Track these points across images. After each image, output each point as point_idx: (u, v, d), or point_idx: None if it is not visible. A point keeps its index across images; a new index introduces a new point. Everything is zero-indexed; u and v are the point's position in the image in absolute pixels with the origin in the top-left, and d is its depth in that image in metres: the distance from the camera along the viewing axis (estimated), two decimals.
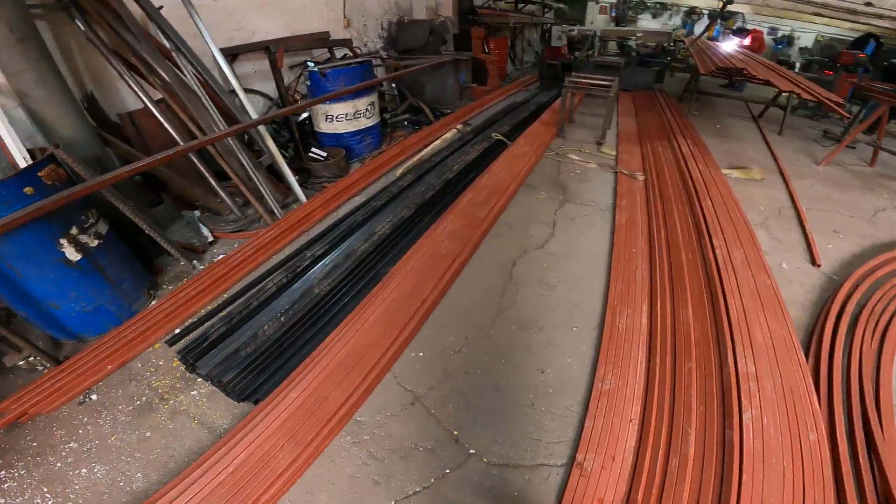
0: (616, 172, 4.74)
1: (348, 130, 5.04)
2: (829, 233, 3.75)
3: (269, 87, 5.14)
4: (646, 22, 13.12)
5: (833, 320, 2.62)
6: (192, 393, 2.32)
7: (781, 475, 1.76)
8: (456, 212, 3.75)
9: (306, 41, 5.42)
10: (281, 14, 5.12)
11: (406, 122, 6.39)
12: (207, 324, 2.58)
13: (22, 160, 2.34)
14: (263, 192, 3.83)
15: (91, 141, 3.05)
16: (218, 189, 3.66)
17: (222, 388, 2.18)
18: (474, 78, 8.03)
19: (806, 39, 11.05)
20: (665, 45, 8.65)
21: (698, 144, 5.36)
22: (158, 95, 3.49)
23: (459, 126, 6.17)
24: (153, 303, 2.86)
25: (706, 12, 11.65)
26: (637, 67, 8.31)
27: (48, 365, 2.38)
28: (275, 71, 4.82)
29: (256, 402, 2.19)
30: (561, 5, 13.04)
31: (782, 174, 4.92)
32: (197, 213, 3.75)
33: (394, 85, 6.83)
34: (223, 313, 2.66)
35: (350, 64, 5.00)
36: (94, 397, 2.29)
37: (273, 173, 4.15)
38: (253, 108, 4.04)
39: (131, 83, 3.32)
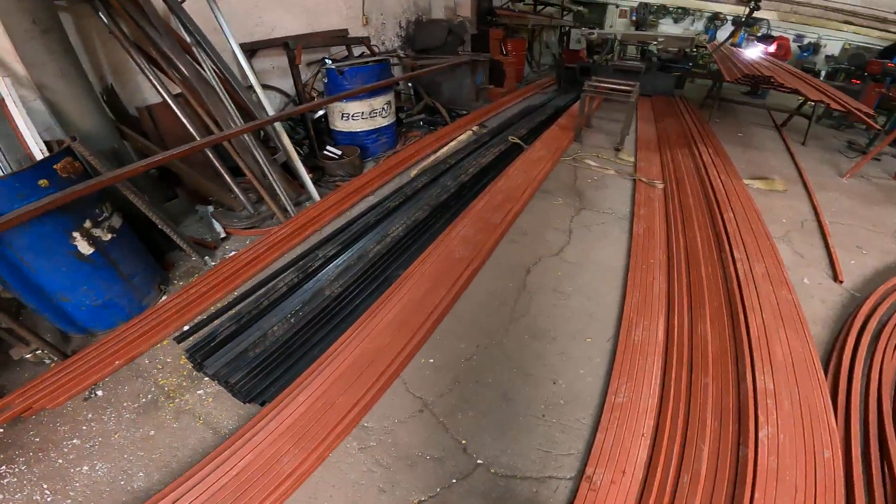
0: (634, 180, 4.65)
1: (364, 129, 5.02)
2: (852, 248, 3.65)
3: (287, 84, 5.13)
4: (666, 27, 12.92)
5: (854, 337, 2.55)
6: (199, 392, 2.30)
7: (793, 492, 1.72)
8: (470, 216, 3.69)
9: (325, 38, 5.41)
10: (301, 10, 5.11)
11: (421, 123, 6.35)
12: (216, 322, 2.56)
13: (38, 152, 2.34)
14: (277, 189, 3.81)
15: (109, 134, 3.05)
16: (232, 185, 3.65)
17: (229, 389, 2.16)
18: (491, 79, 7.97)
19: (832, 47, 10.79)
20: (687, 50, 8.49)
21: (720, 153, 5.24)
22: (177, 90, 3.49)
23: (475, 128, 6.11)
24: (163, 298, 2.85)
25: (730, 18, 11.43)
26: (657, 72, 8.16)
27: (55, 359, 2.37)
28: (293, 67, 4.80)
29: (263, 404, 2.16)
30: (580, 8, 12.92)
31: (805, 186, 4.79)
32: (210, 208, 3.75)
33: (410, 84, 6.79)
34: (233, 311, 2.64)
35: (368, 62, 4.98)
36: (99, 393, 2.28)
37: (287, 170, 4.14)
38: (270, 105, 4.03)
39: (151, 77, 3.33)
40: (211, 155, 3.49)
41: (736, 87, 8.02)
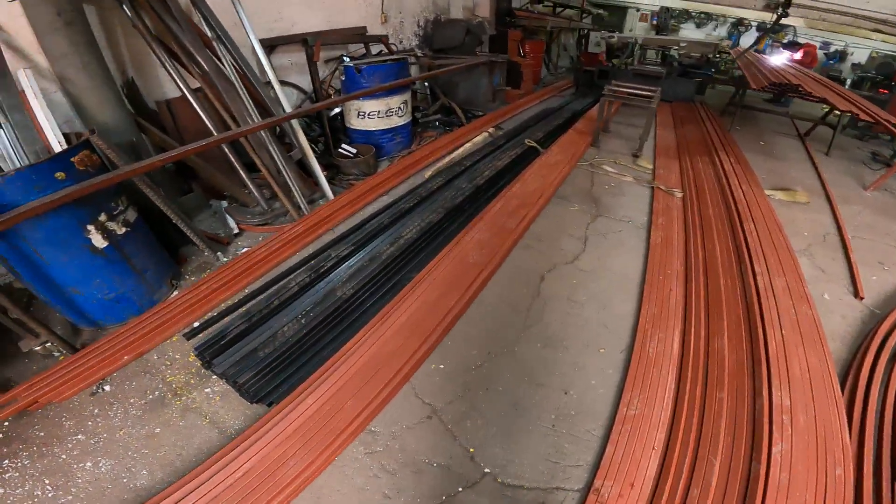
0: (653, 188, 4.55)
1: (379, 128, 5.00)
2: (874, 264, 3.54)
3: (304, 81, 5.13)
4: (688, 31, 12.68)
5: (873, 355, 2.49)
6: (206, 390, 2.29)
7: None
8: (485, 220, 3.65)
9: (343, 35, 5.40)
10: (321, 6, 5.10)
11: (437, 123, 6.31)
12: (227, 319, 2.55)
13: (57, 144, 2.35)
14: (291, 186, 3.81)
15: (128, 127, 3.07)
16: (247, 180, 3.66)
17: (237, 389, 2.14)
18: (508, 81, 7.90)
19: (860, 55, 10.51)
20: (710, 56, 8.32)
21: (741, 162, 5.12)
22: (196, 84, 3.50)
23: (491, 129, 6.06)
24: (174, 293, 2.85)
25: (754, 24, 11.18)
26: (678, 78, 8.01)
27: (64, 352, 2.38)
28: (311, 64, 4.80)
29: (270, 405, 2.15)
30: (600, 11, 12.77)
31: (828, 198, 4.65)
32: (224, 203, 3.76)
33: (426, 84, 6.76)
34: (243, 309, 2.63)
35: (386, 61, 4.95)
36: (106, 388, 2.28)
37: (302, 167, 4.13)
38: (287, 101, 4.03)
39: (171, 71, 3.33)
40: (227, 150, 3.49)
41: (758, 94, 7.85)
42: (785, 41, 10.38)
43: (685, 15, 12.44)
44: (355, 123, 4.97)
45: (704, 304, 2.90)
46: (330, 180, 4.23)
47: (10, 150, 2.35)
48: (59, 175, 2.11)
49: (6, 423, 2.09)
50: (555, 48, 11.36)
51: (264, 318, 2.50)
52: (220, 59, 3.59)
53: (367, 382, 2.20)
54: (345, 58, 5.09)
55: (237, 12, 3.74)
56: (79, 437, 2.05)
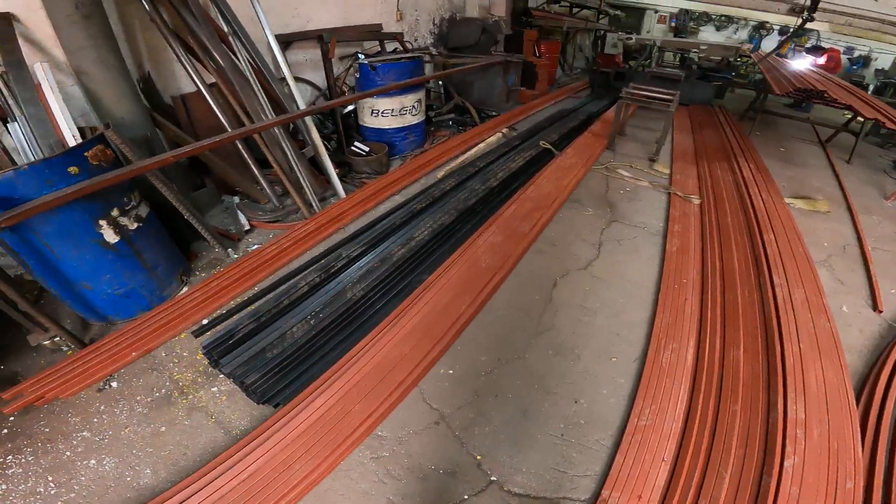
0: (669, 193, 4.46)
1: (393, 126, 4.97)
2: (894, 276, 3.45)
3: (318, 77, 5.11)
4: (707, 34, 12.50)
5: (889, 369, 2.45)
6: (213, 389, 2.27)
7: None
8: (498, 223, 3.59)
9: (359, 32, 5.37)
10: (336, 3, 5.08)
11: (451, 122, 6.27)
12: (235, 317, 2.53)
13: (71, 138, 2.34)
14: (303, 183, 3.79)
15: (143, 122, 3.06)
16: (259, 177, 3.65)
17: (244, 389, 2.12)
18: (523, 81, 7.84)
19: (884, 61, 10.28)
20: (731, 59, 8.18)
21: (761, 169, 5.00)
22: (212, 79, 3.49)
23: (505, 130, 6.00)
24: (184, 290, 2.84)
25: (777, 27, 10.98)
26: (696, 81, 7.89)
27: (73, 346, 2.37)
28: (326, 61, 4.79)
29: (277, 406, 2.13)
30: (617, 12, 12.62)
31: (849, 207, 4.54)
32: (236, 199, 3.75)
33: (440, 82, 6.72)
34: (252, 307, 2.61)
35: (401, 59, 4.92)
36: (113, 385, 2.27)
37: (314, 165, 4.11)
38: (301, 98, 4.01)
39: (187, 66, 3.33)
40: (240, 146, 3.48)
41: (778, 99, 7.70)
42: (808, 45, 10.18)
43: (705, 17, 12.27)
44: (368, 121, 4.95)
45: (721, 315, 2.84)
46: (342, 178, 4.21)
47: (25, 144, 2.36)
48: (73, 169, 2.10)
49: (11, 419, 2.08)
50: (570, 49, 11.27)
51: (273, 318, 2.47)
52: (235, 55, 3.58)
53: (376, 387, 2.17)
54: (359, 55, 5.07)
55: (254, 8, 3.73)
56: (84, 433, 2.04)
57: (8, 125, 2.42)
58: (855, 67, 10.53)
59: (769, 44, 10.84)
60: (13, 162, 2.48)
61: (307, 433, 1.95)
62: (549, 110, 7.41)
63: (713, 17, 12.13)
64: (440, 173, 4.67)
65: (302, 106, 3.96)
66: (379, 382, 2.20)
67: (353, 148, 4.73)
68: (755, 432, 2.01)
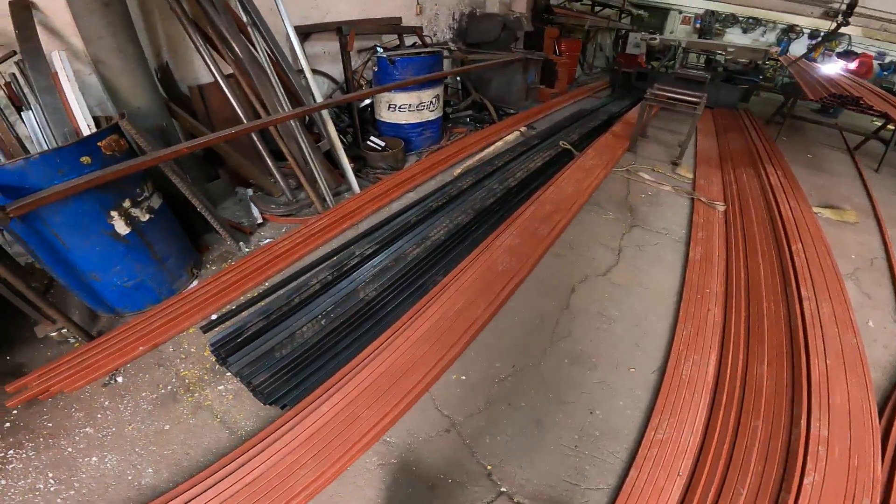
0: (693, 199, 4.32)
1: (410, 122, 4.89)
2: None
3: (335, 70, 5.05)
4: (733, 36, 12.22)
5: None
6: (219, 388, 2.22)
7: None
8: (516, 225, 3.50)
9: (378, 25, 5.30)
10: None
11: (468, 119, 6.17)
12: (245, 313, 2.49)
13: (86, 127, 2.30)
14: (318, 177, 3.74)
15: (159, 112, 3.03)
16: (273, 169, 3.60)
17: (251, 389, 2.07)
18: (542, 79, 7.71)
19: None
20: (759, 62, 7.95)
21: (788, 176, 4.83)
22: (229, 70, 3.45)
23: (523, 128, 5.89)
24: (194, 283, 2.81)
25: (807, 31, 10.67)
26: (721, 84, 7.69)
27: (80, 338, 2.34)
28: (344, 53, 4.71)
29: (284, 408, 2.08)
30: (641, 12, 12.39)
31: (877, 218, 4.36)
32: (250, 191, 3.72)
33: (458, 78, 6.62)
34: (263, 303, 2.57)
35: (420, 53, 4.84)
36: (119, 380, 2.24)
37: (328, 159, 4.06)
38: (318, 90, 3.95)
39: (205, 56, 3.28)
40: (255, 138, 3.44)
41: (805, 104, 7.48)
42: (838, 50, 9.88)
43: (731, 19, 11.97)
44: (385, 116, 4.88)
45: (745, 328, 2.73)
46: (356, 173, 4.15)
47: (39, 132, 2.33)
48: (85, 159, 2.05)
49: (15, 412, 2.06)
50: (590, 48, 11.07)
51: (283, 317, 2.42)
52: (253, 46, 3.54)
53: (386, 392, 2.11)
54: (378, 48, 4.99)
55: None
56: (87, 429, 2.01)
57: (22, 113, 2.39)
58: (885, 73, 10.21)
59: (798, 47, 10.56)
60: (26, 150, 2.44)
61: (314, 438, 1.90)
62: (569, 109, 7.28)
63: (740, 18, 11.84)
64: (457, 171, 4.59)
65: (319, 99, 3.90)
66: (390, 387, 2.13)
67: (368, 142, 4.67)
68: (776, 449, 1.95)
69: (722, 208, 4.11)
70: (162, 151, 2.36)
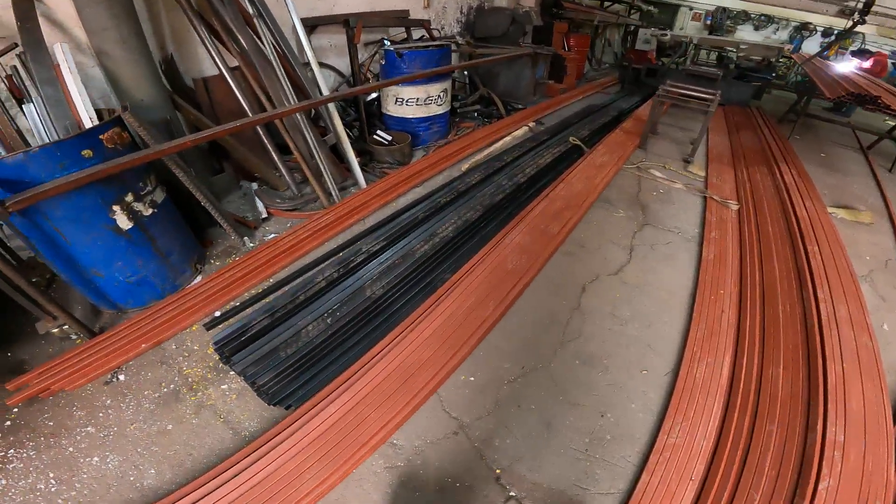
0: (705, 197, 4.24)
1: (417, 116, 4.82)
2: None
3: (342, 63, 4.99)
4: (745, 33, 12.03)
5: None
6: (223, 387, 2.18)
7: None
8: (526, 222, 3.43)
9: (385, 18, 5.22)
10: None
11: (476, 114, 6.09)
12: (249, 310, 2.44)
13: (88, 120, 2.25)
14: (324, 171, 3.68)
15: (163, 105, 2.98)
16: (278, 163, 3.55)
17: (255, 389, 2.02)
18: (550, 74, 7.62)
19: None
20: (772, 60, 7.82)
21: (802, 175, 4.73)
22: (234, 62, 3.39)
23: (531, 124, 5.81)
24: (198, 279, 2.76)
25: (820, 29, 10.49)
26: (733, 81, 7.57)
27: (82, 335, 2.30)
28: (351, 46, 4.65)
29: (288, 408, 2.03)
30: (650, 7, 12.23)
31: (891, 219, 4.28)
32: (255, 185, 3.66)
33: (465, 72, 6.54)
34: (267, 300, 2.52)
35: (428, 46, 4.75)
36: (121, 377, 2.20)
37: (334, 152, 4.00)
38: (324, 83, 3.89)
39: (210, 48, 3.22)
40: (261, 131, 3.39)
41: (816, 102, 7.35)
42: (852, 48, 9.72)
43: (743, 16, 11.79)
44: (392, 110, 4.81)
45: (760, 330, 2.67)
46: (362, 167, 4.09)
47: (40, 125, 2.28)
48: (86, 153, 2.00)
49: (15, 410, 2.02)
50: (598, 43, 10.95)
51: (288, 315, 2.37)
52: (259, 38, 3.47)
53: (393, 394, 2.06)
54: (385, 41, 4.92)
55: None
56: (88, 428, 1.97)
57: (23, 106, 2.34)
58: None
59: (810, 45, 10.40)
60: (27, 144, 2.40)
61: (320, 440, 1.86)
62: (578, 105, 7.19)
63: (752, 15, 11.66)
64: (464, 166, 4.52)
65: (325, 92, 3.84)
66: (397, 389, 2.08)
67: (375, 136, 4.60)
68: (790, 453, 1.92)
69: (735, 207, 4.02)
70: (165, 145, 2.31)
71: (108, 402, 2.08)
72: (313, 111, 4.12)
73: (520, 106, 6.46)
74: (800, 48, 10.57)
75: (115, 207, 2.19)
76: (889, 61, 9.81)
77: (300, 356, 2.14)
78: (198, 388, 2.17)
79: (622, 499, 1.81)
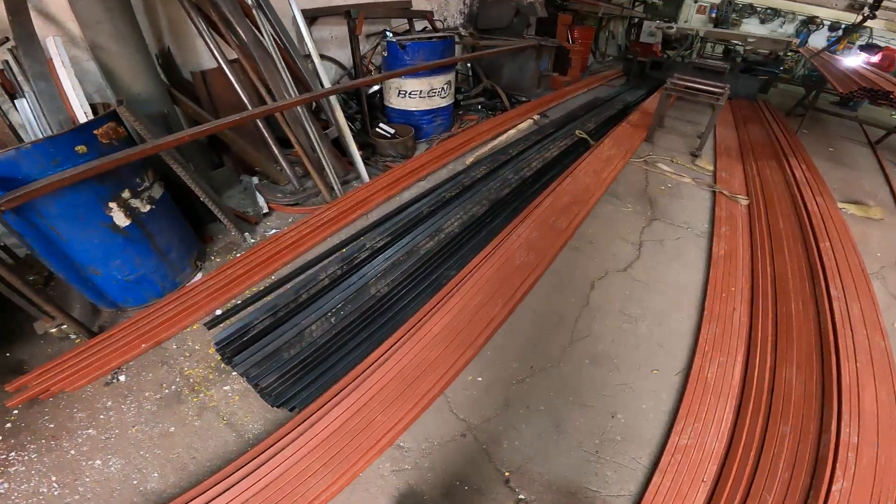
0: (714, 192, 4.16)
1: (420, 108, 4.75)
2: None
3: (343, 55, 4.90)
4: (751, 27, 11.86)
5: None
6: (225, 388, 2.12)
7: None
8: (533, 217, 3.36)
9: (387, 9, 5.12)
10: None
11: (480, 106, 6.01)
12: (251, 308, 2.38)
13: (83, 115, 2.18)
14: (325, 165, 3.61)
15: (160, 98, 2.91)
16: (279, 156, 3.48)
17: (258, 391, 1.96)
18: (555, 67, 7.52)
19: None
20: (780, 53, 7.71)
21: (812, 170, 4.65)
22: (233, 55, 3.31)
23: (536, 117, 5.72)
24: (198, 276, 2.70)
25: (827, 23, 10.35)
26: (740, 74, 7.47)
27: (80, 335, 2.25)
28: (352, 38, 4.56)
29: (292, 410, 1.98)
30: (655, 0, 12.07)
31: None
32: (255, 179, 3.59)
33: (468, 64, 6.45)
34: (269, 298, 2.46)
35: (432, 38, 4.66)
36: (121, 378, 2.15)
37: (336, 146, 3.92)
38: (326, 76, 3.80)
39: (209, 40, 3.14)
40: (261, 125, 3.31)
41: (823, 96, 7.26)
42: (860, 43, 9.60)
43: (749, 9, 11.63)
44: (395, 102, 4.73)
45: (772, 328, 2.61)
46: (365, 161, 4.02)
47: (33, 120, 2.21)
48: (80, 148, 1.93)
49: (15, 412, 1.98)
50: (602, 36, 10.82)
51: (291, 314, 2.31)
52: (259, 29, 3.39)
53: (401, 395, 2.00)
54: (388, 33, 4.82)
55: None
56: (89, 431, 1.93)
57: (16, 101, 2.27)
58: None
59: (817, 39, 10.27)
60: (20, 139, 2.33)
61: (326, 443, 1.81)
62: (582, 98, 7.10)
63: (758, 9, 11.49)
64: (469, 159, 4.45)
65: (327, 84, 3.76)
66: (405, 390, 2.03)
67: (377, 129, 4.53)
68: (804, 455, 1.89)
69: (745, 202, 3.95)
70: (162, 139, 2.24)
71: (109, 403, 2.04)
72: (314, 104, 4.04)
73: (524, 98, 6.37)
74: (806, 42, 10.44)
75: (112, 204, 2.12)
76: None
77: (304, 357, 2.09)
78: (200, 389, 2.12)
79: (633, 501, 1.78)
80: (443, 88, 4.74)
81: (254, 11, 3.35)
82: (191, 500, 1.61)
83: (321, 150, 3.59)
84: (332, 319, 2.28)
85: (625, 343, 2.51)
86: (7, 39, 2.32)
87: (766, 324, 2.62)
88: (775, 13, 11.31)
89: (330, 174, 3.62)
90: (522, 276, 2.76)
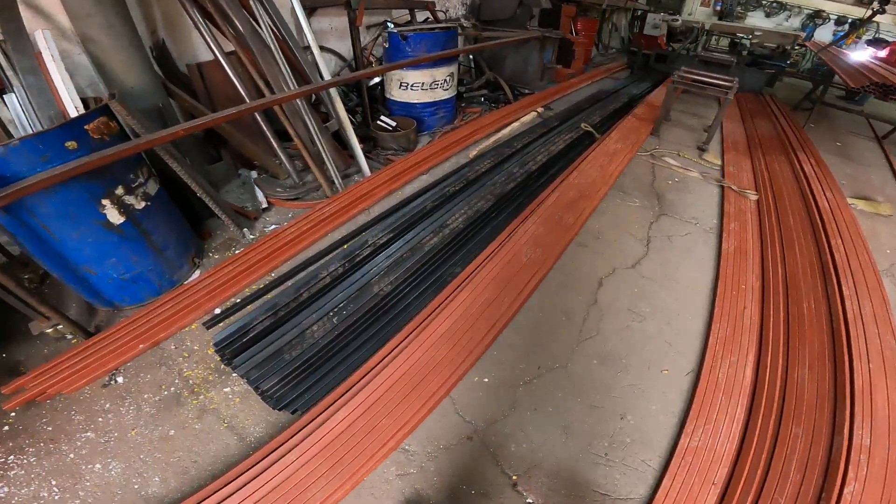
0: (723, 187, 4.09)
1: (422, 101, 4.66)
2: None
3: (343, 47, 4.81)
4: (756, 20, 11.70)
5: None
6: (225, 390, 2.07)
7: None
8: (539, 212, 3.28)
9: (388, 0, 5.02)
10: None
11: (483, 99, 5.92)
12: (251, 307, 2.32)
13: (73, 110, 2.11)
14: (326, 158, 3.53)
15: (155, 92, 2.83)
16: (278, 150, 3.41)
17: (260, 394, 1.91)
18: (558, 59, 7.42)
19: None
20: (787, 47, 7.61)
21: (821, 165, 4.57)
22: (230, 47, 3.22)
23: (540, 109, 5.63)
24: (196, 274, 2.63)
25: (833, 17, 10.22)
26: (746, 68, 7.37)
27: (77, 335, 2.19)
28: (353, 29, 4.46)
29: (295, 412, 1.92)
30: None
31: None
32: (254, 173, 3.52)
33: (471, 56, 6.35)
34: (270, 296, 2.40)
35: (434, 29, 4.57)
36: (119, 380, 2.09)
37: (337, 139, 3.84)
38: (326, 68, 3.72)
39: (204, 32, 3.06)
40: (259, 118, 3.24)
41: (830, 90, 7.17)
42: (867, 37, 9.49)
43: (754, 2, 11.48)
44: (396, 95, 4.65)
45: (784, 327, 2.55)
46: (366, 154, 3.95)
47: (22, 116, 2.14)
48: (70, 144, 1.86)
49: (13, 414, 1.93)
50: (606, 28, 10.70)
51: (291, 313, 2.24)
52: (256, 21, 3.30)
53: (405, 397, 1.95)
54: (389, 24, 4.73)
55: None
56: (88, 434, 1.88)
57: (4, 96, 2.20)
58: None
59: (823, 33, 10.15)
60: (9, 135, 2.26)
61: (330, 448, 1.76)
62: (586, 91, 7.01)
63: (764, 2, 11.34)
64: (472, 153, 4.37)
65: (326, 76, 3.68)
66: (410, 392, 1.97)
67: (379, 122, 4.45)
68: (816, 457, 1.86)
69: (754, 197, 3.88)
70: (156, 134, 2.16)
71: (108, 405, 1.99)
72: (314, 96, 3.96)
73: (527, 91, 6.29)
74: (812, 36, 10.31)
75: (105, 201, 2.05)
76: None
77: (306, 358, 2.03)
78: (199, 390, 2.06)
79: None
80: (445, 80, 4.65)
81: (251, 2, 3.26)
82: None
83: (321, 143, 3.51)
84: (335, 319, 2.22)
85: (634, 342, 2.45)
86: None
87: (778, 322, 2.56)
88: (781, 6, 11.15)
89: (330, 168, 3.55)
90: (529, 273, 2.70)
